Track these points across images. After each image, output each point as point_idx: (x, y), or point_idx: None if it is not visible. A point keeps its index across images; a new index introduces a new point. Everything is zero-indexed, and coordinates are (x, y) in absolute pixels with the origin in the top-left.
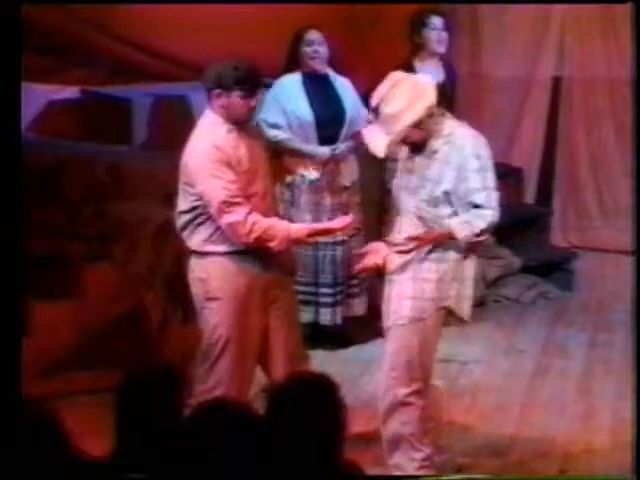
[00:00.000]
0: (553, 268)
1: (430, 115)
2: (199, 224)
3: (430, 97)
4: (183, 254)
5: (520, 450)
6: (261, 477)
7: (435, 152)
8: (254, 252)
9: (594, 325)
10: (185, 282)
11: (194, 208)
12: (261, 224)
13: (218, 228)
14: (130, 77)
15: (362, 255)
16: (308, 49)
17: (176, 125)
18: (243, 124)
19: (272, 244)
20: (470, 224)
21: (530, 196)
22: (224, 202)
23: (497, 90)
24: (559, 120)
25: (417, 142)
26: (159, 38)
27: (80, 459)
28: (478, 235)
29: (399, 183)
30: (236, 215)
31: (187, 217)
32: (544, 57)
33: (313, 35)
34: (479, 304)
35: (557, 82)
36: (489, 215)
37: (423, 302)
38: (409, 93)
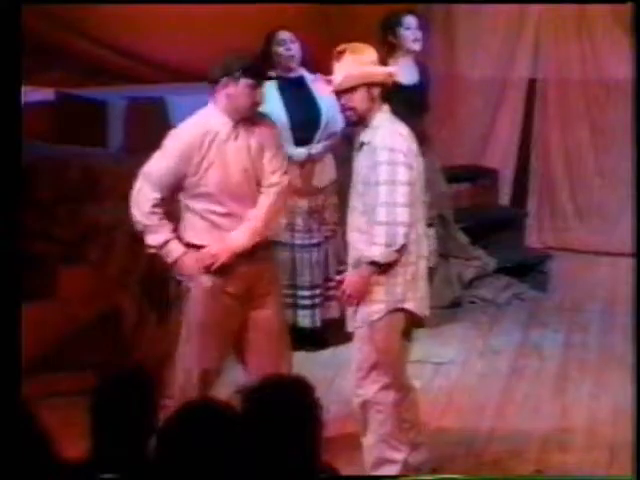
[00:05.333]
0: (528, 269)
1: (351, 91)
2: None
3: (354, 72)
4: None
5: (495, 450)
6: (239, 478)
7: (363, 144)
8: None
9: (569, 326)
10: (160, 283)
11: None
12: None
13: None
14: (105, 79)
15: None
16: (280, 48)
17: (152, 127)
18: (245, 118)
19: None
20: (374, 244)
21: (505, 197)
22: None
23: (472, 91)
24: (534, 121)
25: (348, 115)
26: (135, 40)
27: (58, 460)
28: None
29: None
30: None
31: None
32: (519, 58)
33: (284, 35)
34: (454, 305)
35: (532, 83)
36: (382, 235)
37: (372, 305)
38: (348, 64)
